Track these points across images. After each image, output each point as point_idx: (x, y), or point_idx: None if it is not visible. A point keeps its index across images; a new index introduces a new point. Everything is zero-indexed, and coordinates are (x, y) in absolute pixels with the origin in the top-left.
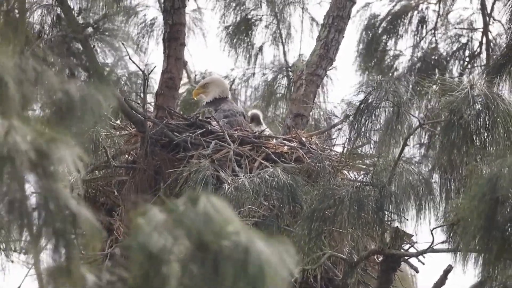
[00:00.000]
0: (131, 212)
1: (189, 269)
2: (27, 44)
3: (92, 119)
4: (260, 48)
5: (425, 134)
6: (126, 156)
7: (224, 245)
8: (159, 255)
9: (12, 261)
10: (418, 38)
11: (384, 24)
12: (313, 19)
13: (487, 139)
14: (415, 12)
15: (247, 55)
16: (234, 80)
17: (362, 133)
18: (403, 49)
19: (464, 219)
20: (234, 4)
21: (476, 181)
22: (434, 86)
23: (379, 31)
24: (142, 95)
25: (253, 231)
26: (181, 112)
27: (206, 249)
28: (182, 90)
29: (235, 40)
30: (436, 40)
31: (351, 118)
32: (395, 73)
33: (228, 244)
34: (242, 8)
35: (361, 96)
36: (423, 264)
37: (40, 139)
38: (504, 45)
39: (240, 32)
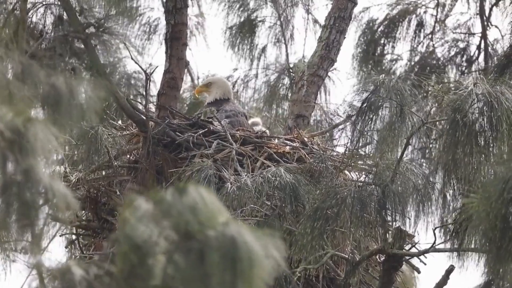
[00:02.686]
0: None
1: (174, 260)
2: (28, 42)
3: (80, 112)
4: (263, 49)
5: (426, 137)
6: (128, 156)
7: (210, 235)
8: (144, 246)
9: (13, 260)
10: (415, 43)
11: (381, 28)
12: (316, 21)
13: (491, 138)
14: (413, 16)
15: (250, 56)
16: (236, 81)
17: (365, 133)
18: (401, 53)
19: (475, 218)
20: (237, 5)
21: (489, 182)
22: (437, 85)
23: (377, 35)
24: (144, 95)
25: (240, 223)
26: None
27: (192, 239)
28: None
29: (238, 41)
30: (433, 44)
31: (353, 117)
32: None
33: (215, 234)
34: (245, 9)
35: (364, 95)
36: (425, 264)
37: (18, 118)
38: (507, 46)
39: (243, 33)
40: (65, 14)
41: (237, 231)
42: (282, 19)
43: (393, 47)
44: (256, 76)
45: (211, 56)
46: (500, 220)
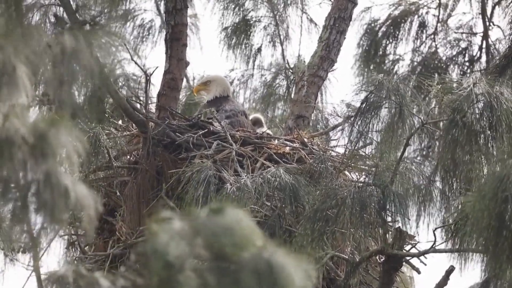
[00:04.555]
0: (149, 217)
1: (206, 279)
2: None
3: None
4: (259, 49)
5: (425, 137)
6: (128, 156)
7: (245, 257)
8: (176, 264)
9: (13, 260)
10: (418, 43)
11: (383, 28)
12: (311, 21)
13: (490, 138)
14: (415, 16)
15: (246, 56)
16: (233, 81)
17: (364, 133)
18: (403, 53)
19: (471, 217)
20: (233, 6)
21: (485, 181)
22: (436, 86)
23: (379, 36)
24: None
25: (275, 245)
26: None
27: (225, 260)
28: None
29: (234, 41)
30: (435, 44)
31: (353, 118)
32: (395, 77)
33: (250, 256)
34: (241, 9)
35: (363, 96)
36: (425, 264)
37: (40, 122)
38: (507, 46)
39: (239, 33)
40: (61, 11)
41: (273, 254)
42: (277, 19)
43: (395, 47)
44: (252, 76)
45: (206, 57)
46: (494, 219)
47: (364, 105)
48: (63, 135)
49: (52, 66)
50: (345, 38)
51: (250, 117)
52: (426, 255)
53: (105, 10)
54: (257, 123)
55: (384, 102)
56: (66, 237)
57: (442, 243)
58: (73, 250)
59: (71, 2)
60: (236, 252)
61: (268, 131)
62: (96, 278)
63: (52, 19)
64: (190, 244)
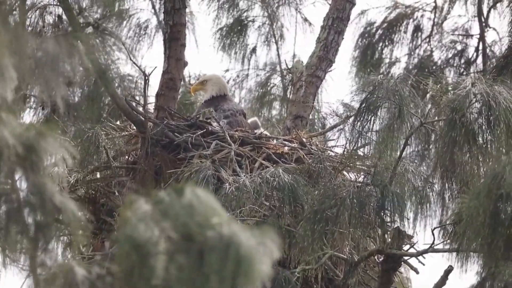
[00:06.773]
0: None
1: (175, 260)
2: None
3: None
4: (254, 49)
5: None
6: (127, 156)
7: (208, 236)
8: (145, 246)
9: (10, 260)
10: (413, 46)
11: (379, 31)
12: (306, 20)
13: (489, 137)
14: (411, 20)
15: (241, 57)
16: (228, 81)
17: (363, 133)
18: (399, 56)
19: (467, 216)
20: (227, 6)
21: (480, 179)
22: (435, 85)
23: (375, 39)
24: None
25: (236, 222)
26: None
27: (191, 240)
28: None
29: (229, 42)
30: (431, 48)
31: (352, 118)
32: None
33: (213, 234)
34: (235, 9)
35: (361, 97)
36: (423, 264)
37: (29, 132)
38: (507, 47)
39: (234, 34)
40: (64, 14)
41: (233, 231)
42: (272, 19)
43: (391, 50)
44: (247, 76)
45: (202, 57)
46: (489, 216)
47: (363, 105)
48: (51, 144)
49: (47, 67)
50: (343, 38)
51: (249, 121)
52: (424, 255)
53: (105, 11)
54: (252, 124)
55: (383, 102)
56: (63, 237)
57: (441, 243)
58: (71, 250)
59: (72, 4)
60: (200, 231)
61: (265, 132)
62: (71, 266)
63: (53, 20)
64: (157, 226)
